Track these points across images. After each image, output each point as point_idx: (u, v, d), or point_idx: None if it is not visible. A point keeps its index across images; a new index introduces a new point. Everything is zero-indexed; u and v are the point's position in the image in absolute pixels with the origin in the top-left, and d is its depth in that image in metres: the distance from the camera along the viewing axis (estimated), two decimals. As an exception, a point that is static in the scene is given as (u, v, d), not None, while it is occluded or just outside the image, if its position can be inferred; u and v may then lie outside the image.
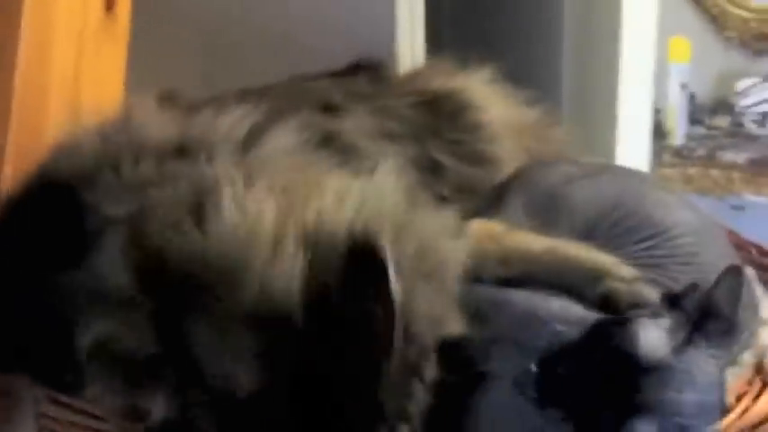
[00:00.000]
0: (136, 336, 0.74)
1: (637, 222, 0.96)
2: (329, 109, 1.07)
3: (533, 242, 0.98)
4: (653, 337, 0.80)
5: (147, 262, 0.76)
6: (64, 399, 0.81)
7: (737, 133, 2.70)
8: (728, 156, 2.56)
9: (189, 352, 0.73)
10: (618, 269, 0.92)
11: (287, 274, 0.75)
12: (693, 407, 0.78)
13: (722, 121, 2.75)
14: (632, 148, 1.91)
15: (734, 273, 0.83)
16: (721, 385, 0.80)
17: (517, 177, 1.08)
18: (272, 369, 0.73)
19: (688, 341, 0.80)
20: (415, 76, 1.26)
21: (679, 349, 0.79)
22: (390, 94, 1.16)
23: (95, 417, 0.79)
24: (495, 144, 1.17)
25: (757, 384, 0.88)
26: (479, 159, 1.14)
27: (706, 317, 0.81)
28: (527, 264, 0.95)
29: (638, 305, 0.85)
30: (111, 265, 0.77)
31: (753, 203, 2.51)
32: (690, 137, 2.69)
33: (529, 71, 1.26)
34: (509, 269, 0.95)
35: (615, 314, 0.85)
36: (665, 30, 2.14)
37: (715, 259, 0.93)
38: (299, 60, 1.19)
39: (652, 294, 0.86)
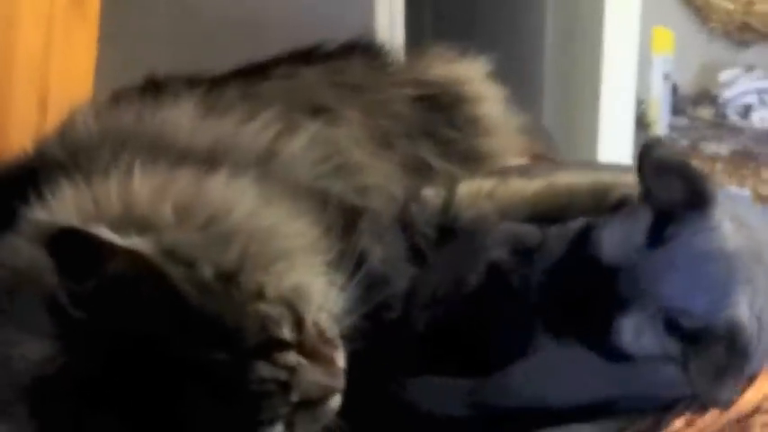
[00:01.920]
0: None
1: None
2: (322, 111, 1.05)
3: (527, 186, 0.96)
4: (616, 238, 0.81)
5: None
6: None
7: (720, 124, 2.69)
8: (711, 147, 2.56)
9: None
10: (620, 178, 0.90)
11: None
12: (681, 288, 0.78)
13: (705, 113, 2.75)
14: (615, 139, 1.91)
15: (651, 154, 0.81)
16: (720, 254, 0.79)
17: None
18: None
19: (660, 233, 0.79)
20: (413, 63, 1.23)
21: (645, 244, 0.80)
22: (387, 84, 1.14)
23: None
24: (489, 137, 1.16)
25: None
26: (471, 156, 1.13)
27: (667, 207, 0.80)
28: (528, 207, 0.93)
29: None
30: None
31: (735, 195, 2.51)
32: (672, 128, 2.68)
33: (511, 63, 1.25)
34: (511, 219, 0.94)
35: None
36: (648, 20, 2.13)
37: None
38: (272, 46, 1.16)
39: None
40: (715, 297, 0.78)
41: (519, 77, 1.26)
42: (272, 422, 0.69)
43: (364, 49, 1.20)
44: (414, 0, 1.51)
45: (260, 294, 0.72)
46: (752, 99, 2.71)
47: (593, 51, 1.88)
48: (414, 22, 1.50)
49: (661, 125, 2.65)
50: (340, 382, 0.73)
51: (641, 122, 2.51)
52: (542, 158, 1.26)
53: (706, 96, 2.78)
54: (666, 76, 2.66)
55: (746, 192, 2.52)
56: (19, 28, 1.04)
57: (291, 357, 0.70)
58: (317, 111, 1.05)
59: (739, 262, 0.79)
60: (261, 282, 0.73)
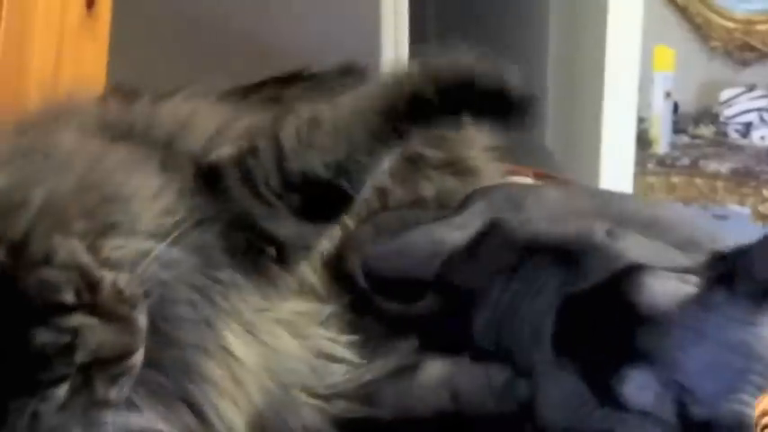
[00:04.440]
0: None
1: None
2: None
3: None
4: (662, 288, 0.78)
5: None
6: None
7: (721, 143, 2.70)
8: (712, 165, 2.57)
9: None
10: None
11: None
12: (698, 366, 0.75)
13: (706, 131, 2.76)
14: (616, 157, 1.91)
15: None
16: (746, 350, 0.75)
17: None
18: None
19: (706, 300, 0.76)
20: None
21: (688, 305, 0.76)
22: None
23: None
24: (471, 151, 1.16)
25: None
26: (459, 167, 1.13)
27: (736, 278, 0.76)
28: None
29: None
30: None
31: (736, 213, 2.52)
32: (674, 146, 2.69)
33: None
34: None
35: None
36: (650, 38, 2.14)
37: None
38: (281, 62, 1.18)
39: None
40: (726, 387, 0.76)
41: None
42: (55, 382, 0.71)
43: (346, 68, 1.21)
44: (417, 24, 1.52)
45: (46, 260, 0.73)
46: (752, 117, 2.72)
47: (594, 69, 1.89)
48: (417, 45, 1.51)
49: (662, 143, 2.66)
50: (137, 340, 0.74)
51: (643, 140, 2.52)
52: (546, 176, 1.27)
53: (707, 115, 2.80)
54: (668, 95, 2.67)
55: (747, 210, 2.53)
56: (31, 43, 1.05)
57: (74, 320, 0.72)
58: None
59: (762, 366, 0.76)
60: (49, 247, 0.73)
